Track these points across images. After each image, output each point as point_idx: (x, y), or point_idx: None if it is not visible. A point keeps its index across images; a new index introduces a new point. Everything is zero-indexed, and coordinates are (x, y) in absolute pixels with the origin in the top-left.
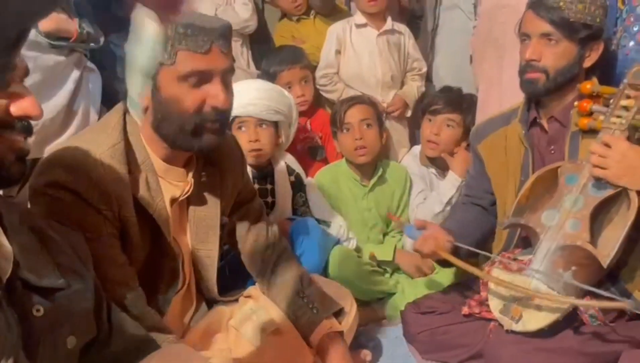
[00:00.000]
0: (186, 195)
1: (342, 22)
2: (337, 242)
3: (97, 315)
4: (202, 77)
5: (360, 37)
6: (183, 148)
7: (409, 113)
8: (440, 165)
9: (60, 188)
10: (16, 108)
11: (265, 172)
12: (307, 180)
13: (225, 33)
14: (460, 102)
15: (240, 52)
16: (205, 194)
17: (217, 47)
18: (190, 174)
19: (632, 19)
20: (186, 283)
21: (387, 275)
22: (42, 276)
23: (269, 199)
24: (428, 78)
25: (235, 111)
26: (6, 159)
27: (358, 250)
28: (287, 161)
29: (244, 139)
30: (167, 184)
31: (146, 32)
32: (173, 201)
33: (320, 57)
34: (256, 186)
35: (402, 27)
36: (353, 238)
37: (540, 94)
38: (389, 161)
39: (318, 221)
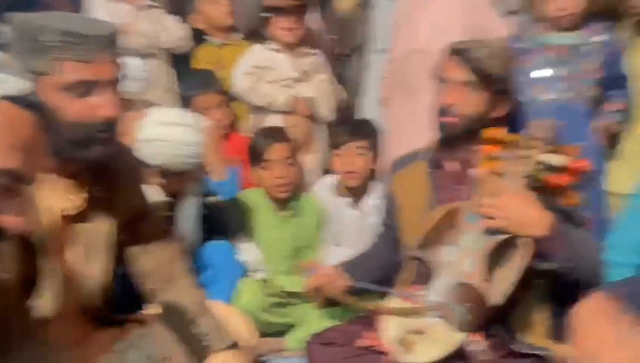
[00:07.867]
0: (77, 211)
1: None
2: (247, 271)
3: None
4: (88, 87)
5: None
6: (69, 159)
7: None
8: (356, 193)
9: None
10: None
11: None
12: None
13: (113, 40)
14: (362, 128)
15: (166, 72)
16: (94, 210)
17: (104, 55)
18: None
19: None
20: (70, 304)
21: (296, 307)
22: None
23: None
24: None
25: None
26: None
27: (267, 281)
28: None
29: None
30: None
31: None
32: (57, 217)
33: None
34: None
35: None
36: (263, 269)
37: (454, 137)
38: (302, 193)
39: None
